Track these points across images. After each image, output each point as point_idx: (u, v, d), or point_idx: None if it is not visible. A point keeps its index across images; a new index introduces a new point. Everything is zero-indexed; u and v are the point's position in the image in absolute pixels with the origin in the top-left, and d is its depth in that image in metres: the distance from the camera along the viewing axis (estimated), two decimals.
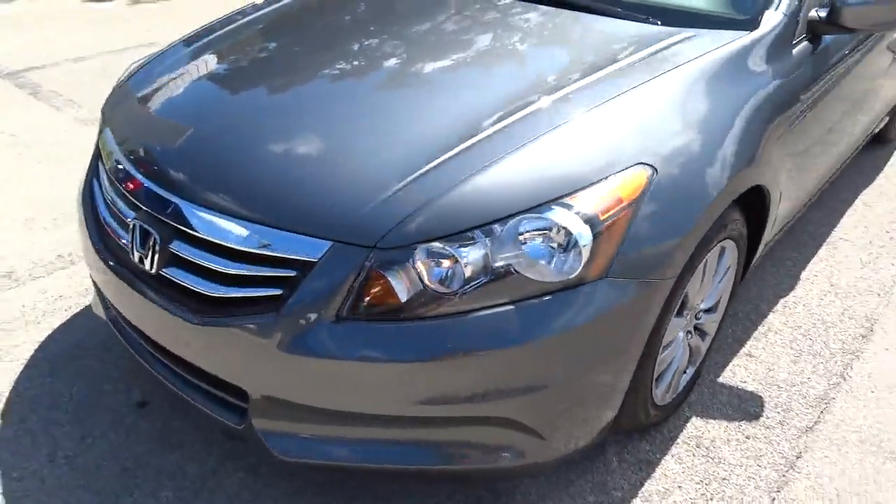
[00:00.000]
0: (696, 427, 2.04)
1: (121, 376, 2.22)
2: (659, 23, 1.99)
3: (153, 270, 1.61)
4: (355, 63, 1.94)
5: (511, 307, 1.42)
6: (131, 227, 1.66)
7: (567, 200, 1.45)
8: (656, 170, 1.54)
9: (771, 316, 2.50)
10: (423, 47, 2.00)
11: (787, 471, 1.92)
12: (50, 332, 2.41)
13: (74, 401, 2.14)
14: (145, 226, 1.62)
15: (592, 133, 1.57)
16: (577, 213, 1.44)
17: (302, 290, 1.44)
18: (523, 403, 1.49)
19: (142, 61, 2.25)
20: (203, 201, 1.56)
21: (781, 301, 2.58)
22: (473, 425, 1.50)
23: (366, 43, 2.05)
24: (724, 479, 1.89)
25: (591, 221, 1.44)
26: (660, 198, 1.52)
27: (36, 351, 2.33)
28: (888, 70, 2.84)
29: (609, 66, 1.75)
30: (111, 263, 1.75)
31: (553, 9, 2.14)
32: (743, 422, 2.07)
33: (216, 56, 2.11)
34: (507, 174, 1.48)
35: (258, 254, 1.48)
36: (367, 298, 1.43)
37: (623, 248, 1.47)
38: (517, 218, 1.43)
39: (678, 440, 2.00)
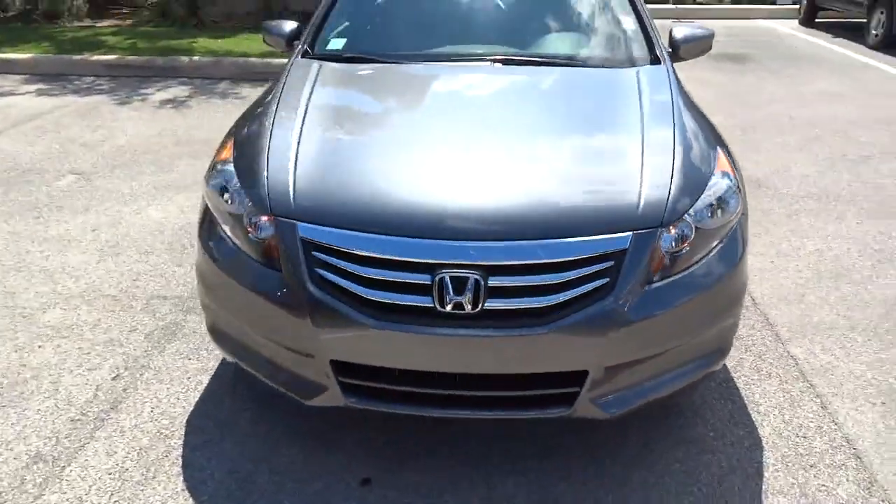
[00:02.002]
0: None
1: (310, 476, 2.17)
2: (603, 66, 2.89)
3: (476, 309, 1.85)
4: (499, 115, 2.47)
5: (724, 243, 2.13)
6: (436, 283, 1.85)
7: (717, 171, 2.23)
8: (722, 146, 2.41)
9: None
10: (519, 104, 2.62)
11: None
12: (179, 480, 2.15)
13: None
14: (458, 275, 1.85)
15: (686, 136, 2.35)
16: (726, 176, 2.23)
17: (625, 273, 1.90)
18: (740, 304, 2.21)
19: (257, 155, 2.24)
20: (519, 236, 1.89)
21: None
22: (720, 328, 2.15)
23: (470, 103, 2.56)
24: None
25: (732, 179, 2.24)
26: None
27: (191, 500, 2.09)
28: None
29: (642, 95, 2.56)
30: (402, 331, 1.88)
31: (538, 68, 2.85)
32: None
33: (374, 115, 2.49)
34: (682, 166, 2.17)
35: (584, 258, 1.90)
36: (653, 265, 1.98)
37: None
38: (705, 190, 2.14)
39: None
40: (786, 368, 2.70)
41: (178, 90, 7.16)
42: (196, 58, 7.89)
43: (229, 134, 2.56)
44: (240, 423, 2.40)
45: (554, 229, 1.92)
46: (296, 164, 2.17)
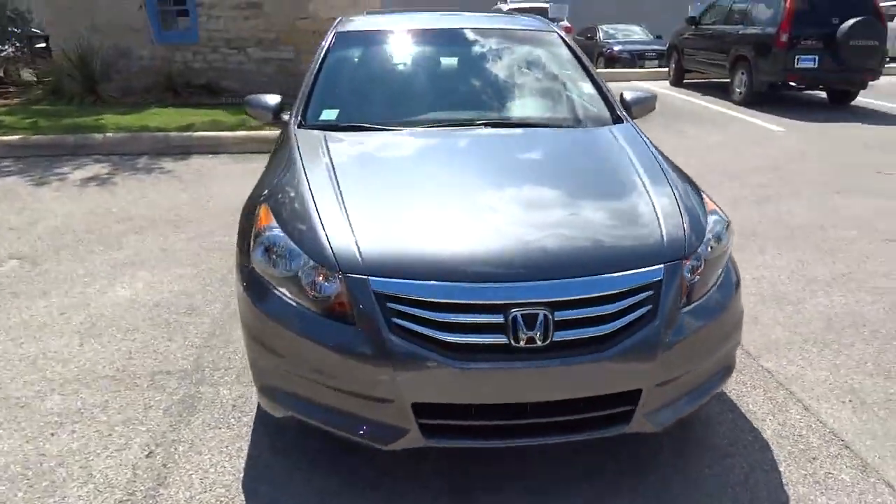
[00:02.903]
0: None
1: None
2: (579, 126, 3.27)
3: (546, 342, 2.07)
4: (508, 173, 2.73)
5: (724, 271, 2.48)
6: (509, 321, 2.06)
7: (709, 210, 2.60)
8: (701, 190, 2.81)
9: None
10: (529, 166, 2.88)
11: None
12: None
13: None
14: (528, 312, 2.06)
15: (676, 182, 2.71)
16: (715, 213, 2.60)
17: (663, 300, 2.19)
18: (741, 324, 2.55)
19: (304, 228, 2.35)
20: (578, 273, 2.14)
21: None
22: (730, 345, 2.48)
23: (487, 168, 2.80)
24: None
25: (721, 216, 2.62)
26: None
27: None
28: None
29: (627, 150, 2.93)
30: (480, 368, 2.06)
31: (524, 129, 3.18)
32: None
33: (402, 176, 2.69)
34: (686, 208, 2.51)
35: (631, 289, 2.17)
36: (682, 292, 2.29)
37: None
38: (707, 226, 2.49)
39: None
40: (765, 380, 3.08)
41: (96, 168, 6.97)
42: (110, 134, 7.72)
43: (256, 202, 2.63)
44: (295, 481, 2.43)
45: (604, 265, 2.19)
46: (350, 224, 2.33)
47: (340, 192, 2.52)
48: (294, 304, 2.25)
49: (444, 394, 2.11)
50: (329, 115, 3.33)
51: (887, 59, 10.13)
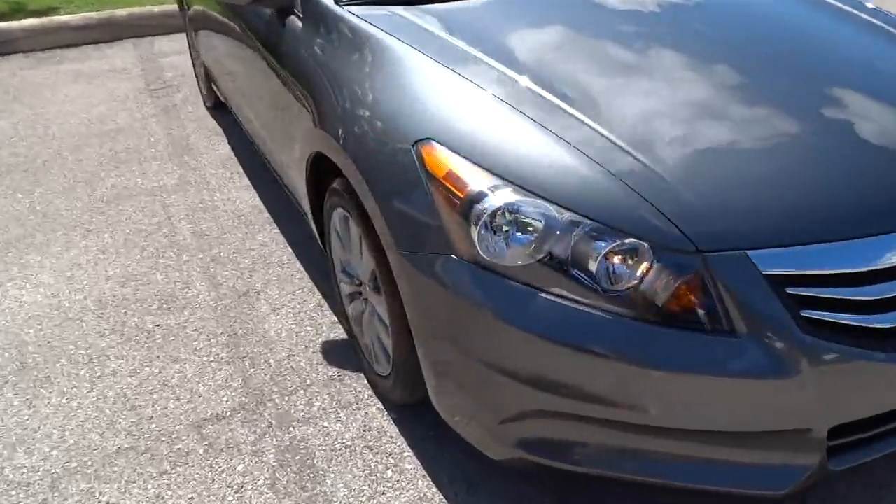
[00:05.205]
0: None
1: None
2: None
3: None
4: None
5: None
6: None
7: None
8: None
9: None
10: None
11: None
12: None
13: None
14: None
15: None
16: None
17: None
18: None
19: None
20: None
21: None
22: None
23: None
24: None
25: None
26: None
27: None
28: None
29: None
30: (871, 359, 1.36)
31: None
32: None
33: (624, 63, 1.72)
34: None
35: None
36: None
37: None
38: None
39: None
40: None
41: None
42: None
43: (402, 143, 1.57)
44: None
45: None
46: (643, 161, 1.41)
47: (565, 106, 1.54)
48: (598, 312, 1.34)
49: (871, 404, 1.40)
50: None
51: None
